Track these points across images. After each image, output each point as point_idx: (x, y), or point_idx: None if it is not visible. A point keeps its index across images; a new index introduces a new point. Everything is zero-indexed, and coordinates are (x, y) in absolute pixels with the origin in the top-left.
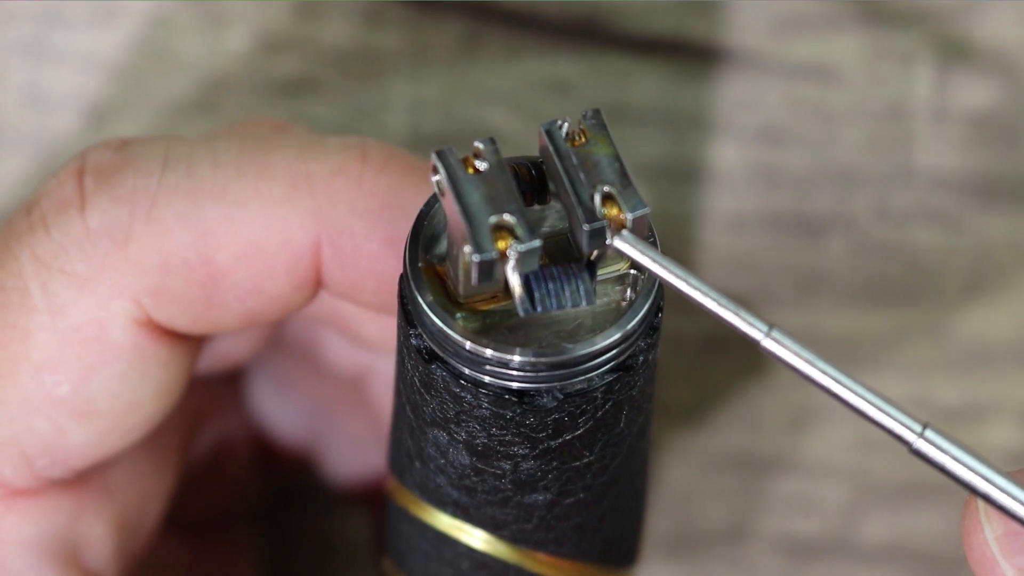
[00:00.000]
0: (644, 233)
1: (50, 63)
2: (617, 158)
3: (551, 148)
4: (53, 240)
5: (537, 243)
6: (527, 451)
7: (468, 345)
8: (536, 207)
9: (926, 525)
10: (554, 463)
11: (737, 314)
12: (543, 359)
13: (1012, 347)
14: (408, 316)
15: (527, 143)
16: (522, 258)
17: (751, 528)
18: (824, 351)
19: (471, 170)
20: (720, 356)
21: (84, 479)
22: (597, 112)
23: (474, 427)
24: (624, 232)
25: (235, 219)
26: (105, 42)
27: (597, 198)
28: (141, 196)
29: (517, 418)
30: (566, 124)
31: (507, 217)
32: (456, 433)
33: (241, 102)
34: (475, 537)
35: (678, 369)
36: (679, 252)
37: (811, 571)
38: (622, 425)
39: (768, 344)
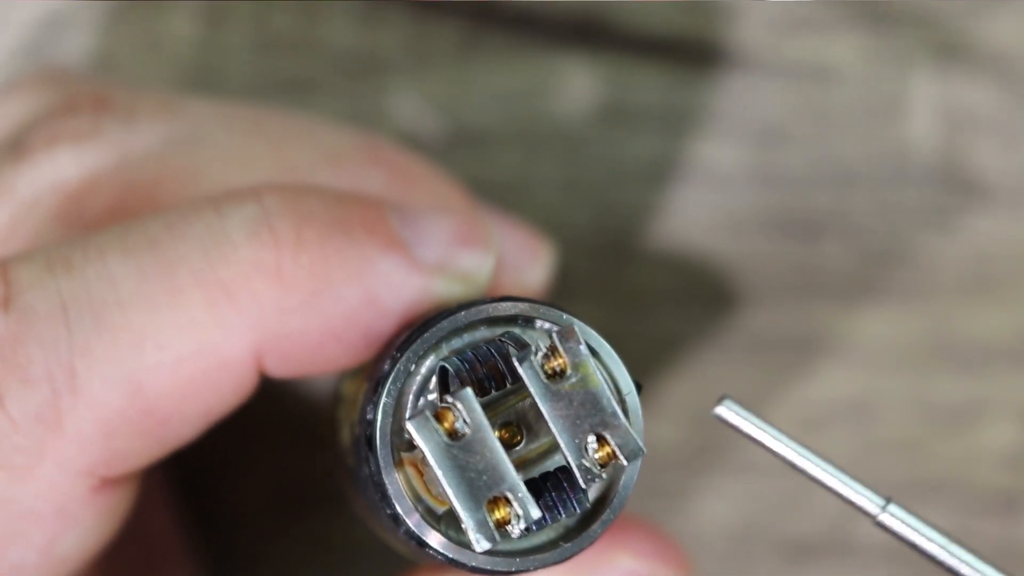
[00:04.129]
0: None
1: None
2: (606, 390)
3: (533, 390)
4: None
5: (535, 513)
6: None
7: (434, 544)
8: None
9: None
10: None
11: (852, 488)
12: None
13: (1012, 347)
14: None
15: (526, 144)
16: (527, 525)
17: (751, 528)
18: (824, 352)
19: (447, 428)
20: (720, 356)
21: None
22: (571, 330)
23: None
24: (727, 402)
25: (164, 363)
26: (105, 43)
27: (591, 441)
28: (57, 371)
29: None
30: (540, 353)
31: (505, 494)
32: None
33: (241, 103)
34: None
35: (678, 369)
36: (679, 254)
37: (811, 571)
38: None
39: (884, 519)
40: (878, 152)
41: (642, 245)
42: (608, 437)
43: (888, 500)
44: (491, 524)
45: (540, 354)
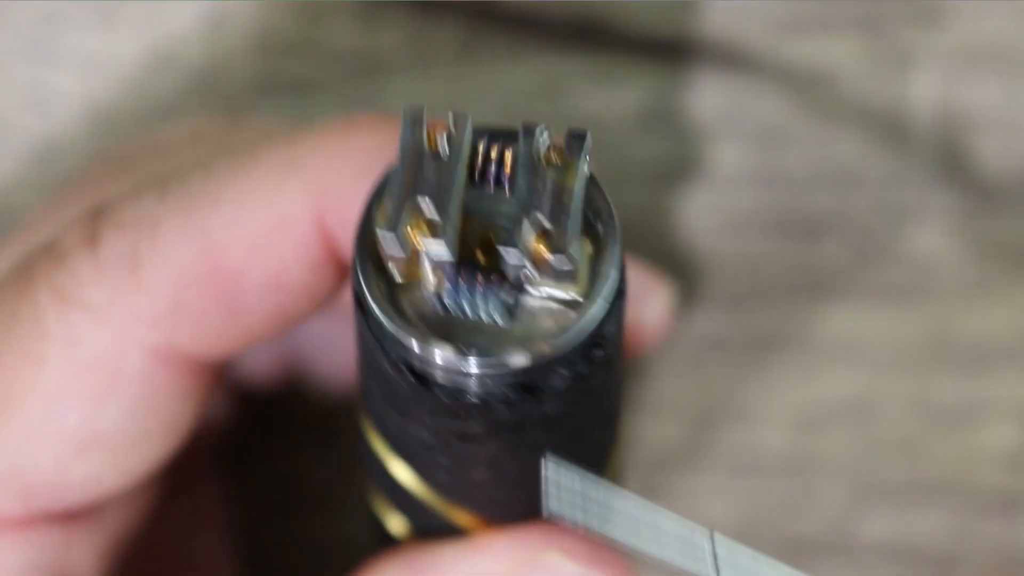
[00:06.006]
0: (569, 277)
1: (52, 65)
2: (574, 200)
3: (520, 152)
4: (68, 273)
5: (446, 254)
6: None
7: (407, 340)
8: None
9: (927, 525)
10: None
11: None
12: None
13: (1012, 347)
14: (357, 299)
15: None
16: (433, 260)
17: (751, 528)
18: (824, 352)
19: (432, 145)
20: (720, 356)
21: (77, 512)
22: (583, 136)
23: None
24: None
25: (234, 219)
26: (106, 44)
27: (528, 226)
28: (144, 221)
29: (426, 400)
30: (546, 135)
31: (432, 212)
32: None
33: (242, 103)
34: (403, 472)
35: (678, 369)
36: (678, 254)
37: (812, 571)
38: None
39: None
40: (878, 152)
41: (642, 246)
42: (549, 233)
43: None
44: (405, 226)
45: (544, 139)
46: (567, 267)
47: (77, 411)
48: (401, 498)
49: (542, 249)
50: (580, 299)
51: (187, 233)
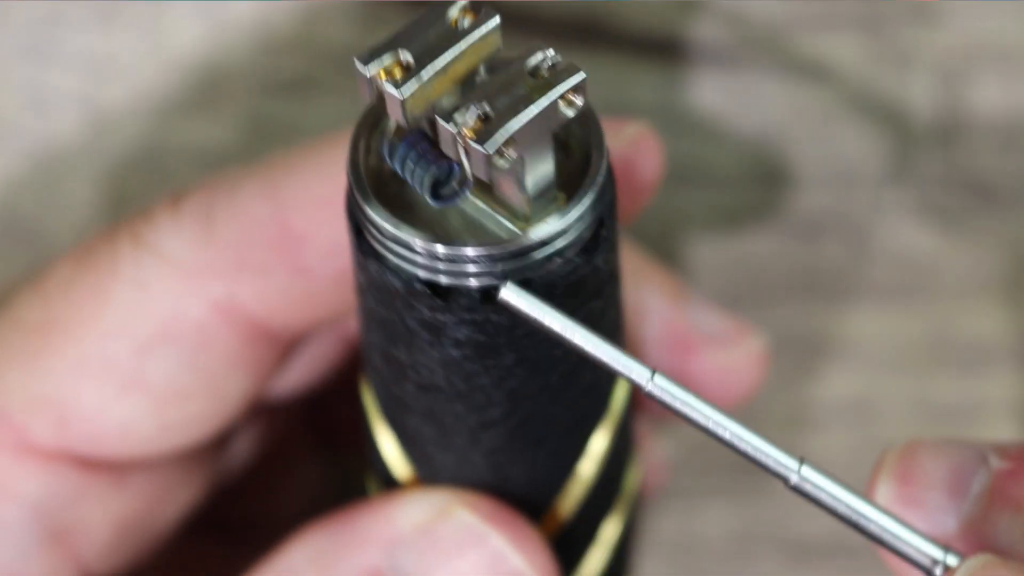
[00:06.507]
0: (483, 173)
1: (52, 65)
2: (528, 109)
3: (512, 59)
4: (149, 224)
5: (397, 94)
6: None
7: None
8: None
9: None
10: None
11: (622, 361)
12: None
13: (1012, 347)
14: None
15: None
16: (389, 100)
17: (752, 528)
18: (824, 352)
19: (454, 23)
20: None
21: (99, 463)
22: (574, 70)
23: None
24: (510, 285)
25: (306, 182)
26: (106, 44)
27: (473, 109)
28: (224, 185)
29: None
30: (548, 62)
31: (408, 59)
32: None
33: (242, 102)
34: (370, 407)
35: None
36: (679, 253)
37: (812, 572)
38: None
39: (651, 388)
40: (878, 152)
41: (642, 245)
42: (488, 121)
43: (654, 371)
44: (383, 65)
45: (547, 60)
46: (481, 152)
47: (129, 351)
48: (372, 456)
49: (469, 132)
50: (516, 232)
51: (260, 195)
